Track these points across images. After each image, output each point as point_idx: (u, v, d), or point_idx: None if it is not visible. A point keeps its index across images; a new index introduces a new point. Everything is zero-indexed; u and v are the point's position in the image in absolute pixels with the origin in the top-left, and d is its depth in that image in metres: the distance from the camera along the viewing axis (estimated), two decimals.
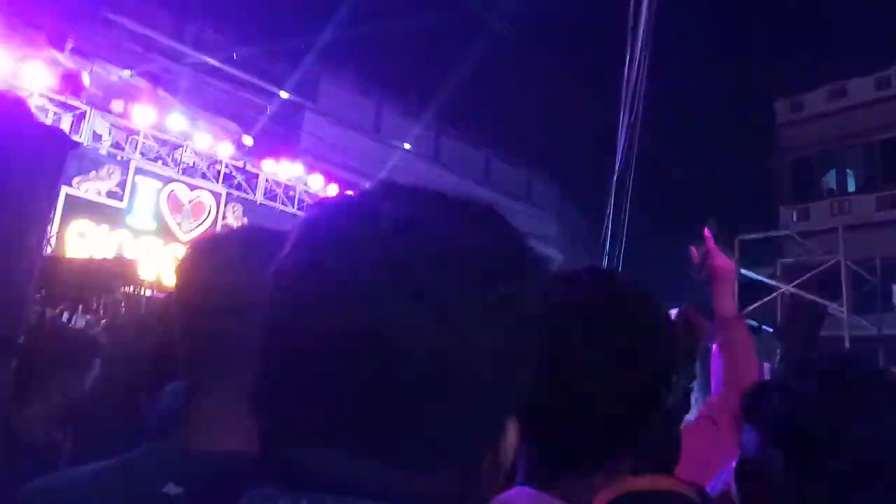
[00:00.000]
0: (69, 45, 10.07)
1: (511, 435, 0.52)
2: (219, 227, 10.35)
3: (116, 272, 4.52)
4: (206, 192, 10.31)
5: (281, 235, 0.90)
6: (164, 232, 9.72)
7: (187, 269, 0.86)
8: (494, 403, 0.50)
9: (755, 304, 13.32)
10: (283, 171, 11.18)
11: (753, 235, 13.91)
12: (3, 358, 2.27)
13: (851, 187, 17.21)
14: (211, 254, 0.86)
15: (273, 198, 11.31)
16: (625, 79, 8.13)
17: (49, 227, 2.95)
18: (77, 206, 8.47)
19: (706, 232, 1.45)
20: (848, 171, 17.46)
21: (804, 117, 17.54)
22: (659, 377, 0.79)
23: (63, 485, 0.81)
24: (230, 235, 0.89)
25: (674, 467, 0.83)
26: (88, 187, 8.95)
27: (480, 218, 0.51)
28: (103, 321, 5.13)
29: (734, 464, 0.94)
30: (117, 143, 9.70)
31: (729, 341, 1.36)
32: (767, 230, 14.92)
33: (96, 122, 9.42)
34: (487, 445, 0.51)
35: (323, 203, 0.53)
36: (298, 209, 11.50)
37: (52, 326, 3.03)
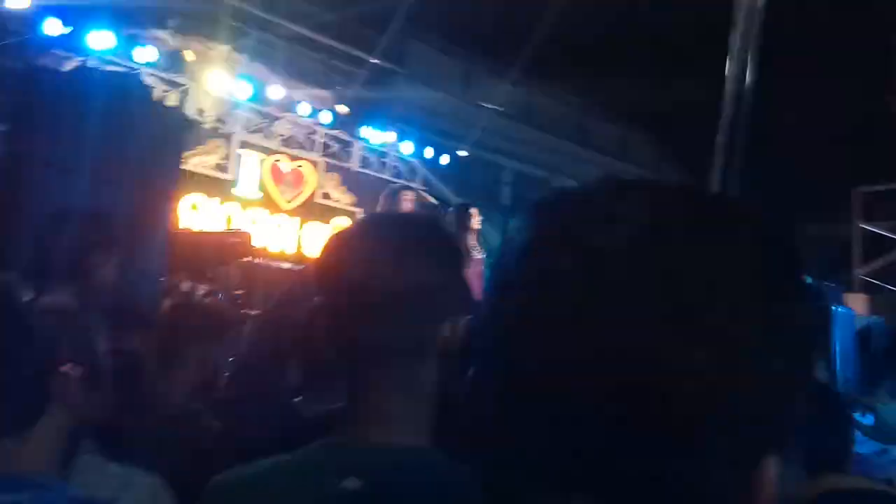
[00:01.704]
0: (171, 24, 10.42)
1: (771, 474, 0.44)
2: (318, 196, 10.60)
3: (233, 243, 4.69)
4: (306, 161, 10.56)
5: (439, 223, 0.92)
6: (269, 202, 10.06)
7: (352, 255, 0.84)
8: (768, 442, 0.42)
9: (877, 262, 12.43)
10: (376, 138, 11.29)
11: (875, 188, 12.92)
12: (146, 331, 2.37)
13: None
14: (376, 240, 0.84)
15: (368, 165, 11.45)
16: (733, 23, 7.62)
17: (174, 203, 3.06)
18: (188, 180, 8.86)
19: None
20: None
21: None
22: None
23: (243, 481, 0.82)
24: (393, 220, 0.88)
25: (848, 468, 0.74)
26: (197, 161, 9.33)
27: (745, 220, 0.43)
28: (220, 293, 5.36)
29: None
30: (219, 116, 10.03)
31: None
32: (891, 181, 13.83)
33: (199, 98, 9.77)
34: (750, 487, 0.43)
35: (548, 198, 0.46)
36: (393, 176, 11.61)
37: (188, 301, 3.16)
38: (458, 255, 0.86)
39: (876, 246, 12.65)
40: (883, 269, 12.46)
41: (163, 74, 9.13)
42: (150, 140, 2.69)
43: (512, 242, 0.44)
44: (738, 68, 7.73)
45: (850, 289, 10.77)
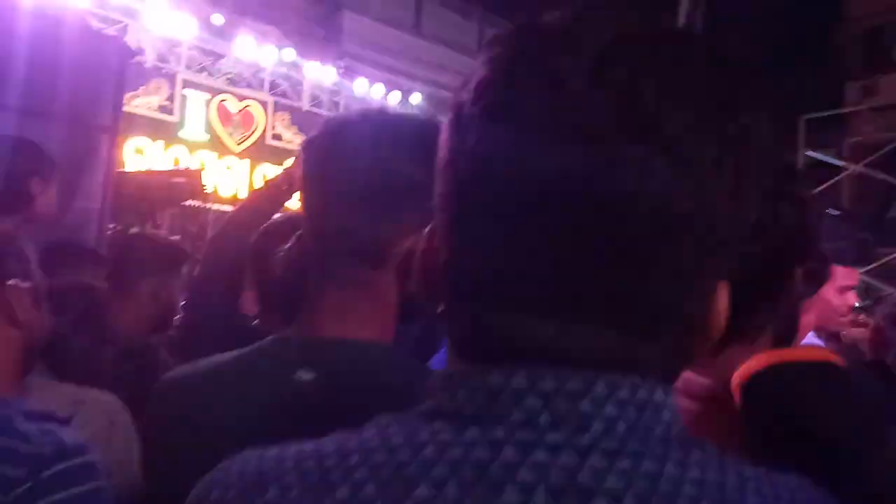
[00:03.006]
0: None
1: (723, 298, 0.46)
2: (268, 137, 10.36)
3: (181, 183, 4.57)
4: (254, 101, 10.26)
5: (412, 120, 0.85)
6: (217, 144, 9.80)
7: (315, 156, 0.82)
8: (719, 260, 0.43)
9: (821, 187, 12.81)
10: (326, 75, 11.00)
11: (819, 114, 13.21)
12: (93, 268, 2.33)
13: None
14: (343, 138, 0.81)
15: (319, 104, 11.20)
16: None
17: (117, 138, 2.97)
18: (131, 123, 8.55)
19: None
20: None
21: None
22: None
23: (196, 373, 0.81)
24: (363, 118, 0.84)
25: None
26: (139, 103, 8.99)
27: (698, 40, 0.43)
28: (172, 236, 5.26)
29: None
30: (161, 55, 9.63)
31: None
32: (834, 108, 14.15)
33: (138, 36, 9.34)
34: (705, 309, 0.45)
35: (507, 29, 0.45)
36: None
37: (134, 236, 3.09)
38: (430, 155, 0.82)
39: (821, 171, 13.02)
40: (824, 194, 12.87)
41: (97, 10, 8.69)
42: (87, 71, 2.59)
43: (469, 78, 0.44)
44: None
45: None
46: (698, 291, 0.43)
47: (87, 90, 2.62)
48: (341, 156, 0.79)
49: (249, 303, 1.89)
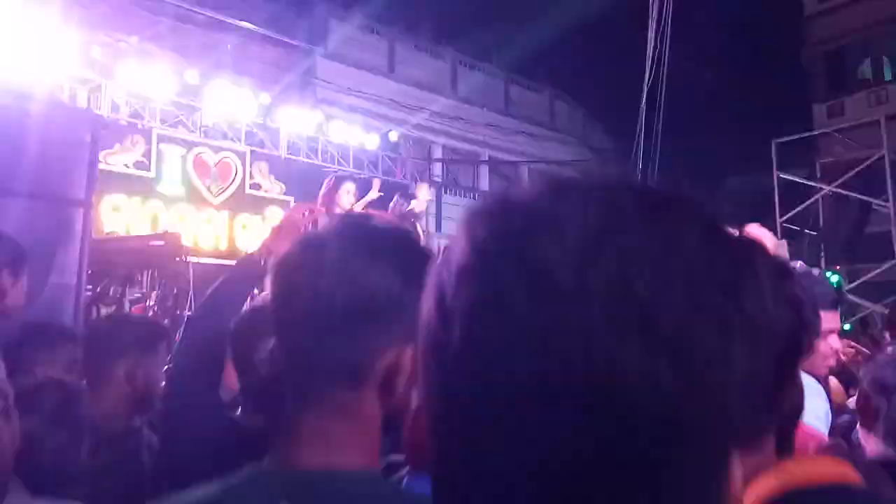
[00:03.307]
0: (74, 17, 9.89)
1: (738, 471, 0.43)
2: (247, 187, 10.33)
3: (160, 247, 4.51)
4: (231, 152, 10.25)
5: (388, 232, 0.83)
6: (195, 197, 9.73)
7: (289, 273, 0.80)
8: (734, 440, 0.40)
9: (796, 209, 13.00)
10: (302, 122, 11.04)
11: (788, 137, 13.46)
12: (70, 350, 2.27)
13: (888, 76, 16.51)
14: (318, 254, 0.79)
15: (297, 151, 11.21)
16: None
17: (92, 210, 2.93)
18: (107, 181, 8.50)
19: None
20: (884, 58, 16.71)
21: (833, 6, 16.73)
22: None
23: None
24: (338, 233, 0.81)
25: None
26: (115, 160, 8.95)
27: (692, 214, 0.40)
28: (154, 293, 5.18)
29: None
30: (136, 111, 9.62)
31: None
32: (804, 130, 14.43)
33: (113, 93, 9.34)
34: (722, 490, 0.41)
35: (487, 207, 0.43)
36: (323, 161, 11.39)
37: (107, 318, 3.02)
38: (408, 268, 0.78)
39: (792, 193, 13.22)
40: (800, 215, 13.05)
41: (71, 72, 8.69)
42: (58, 145, 2.56)
43: (450, 260, 0.41)
44: (656, 38, 7.89)
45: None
46: (715, 485, 0.40)
47: (60, 164, 2.59)
48: (316, 274, 0.77)
49: (231, 377, 1.85)
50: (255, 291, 1.96)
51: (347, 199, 4.88)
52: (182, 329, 1.92)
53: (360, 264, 0.77)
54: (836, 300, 2.33)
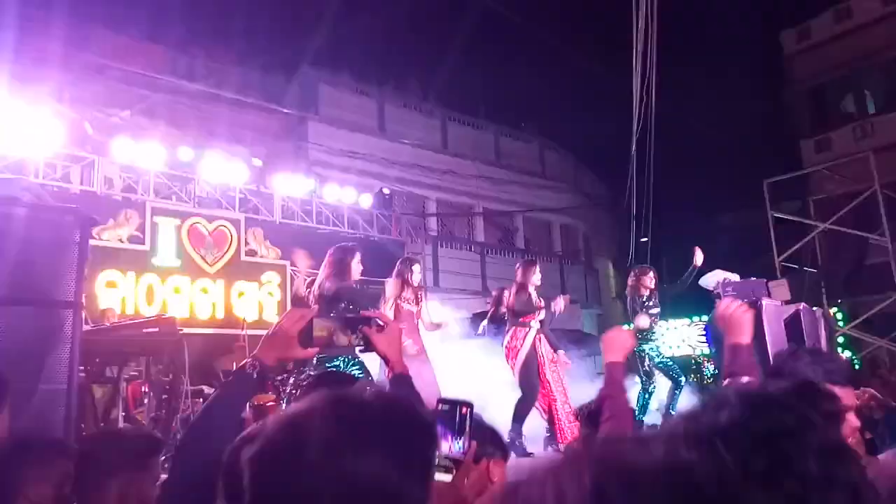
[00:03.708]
0: (66, 96, 10.04)
1: None
2: (243, 254, 10.30)
3: (155, 333, 4.44)
4: (225, 220, 10.25)
5: (382, 409, 0.76)
6: (191, 267, 9.69)
7: (268, 464, 0.74)
8: None
9: (793, 248, 12.99)
10: (296, 187, 11.09)
11: (780, 177, 13.55)
12: (59, 461, 2.18)
13: (872, 109, 16.75)
14: (300, 443, 0.72)
15: (291, 216, 11.22)
16: (635, 37, 7.89)
17: (82, 311, 2.87)
18: (102, 256, 8.47)
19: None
20: (866, 92, 16.99)
21: (812, 44, 17.08)
22: None
23: None
24: (324, 415, 0.74)
25: None
26: (109, 236, 8.93)
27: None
28: (155, 370, 5.08)
29: None
30: (129, 185, 9.66)
31: None
32: (793, 165, 14.55)
33: (105, 169, 9.39)
34: None
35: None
36: (318, 223, 11.40)
37: (97, 435, 2.93)
38: (417, 451, 0.72)
39: (787, 230, 13.23)
40: (797, 252, 13.04)
41: (63, 150, 8.75)
42: (46, 248, 2.51)
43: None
44: (642, 85, 8.00)
45: (773, 275, 11.15)
46: None
47: (48, 268, 2.54)
48: (298, 467, 0.70)
49: None
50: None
51: (358, 268, 4.75)
52: (173, 456, 1.84)
53: (349, 453, 0.70)
54: (850, 376, 2.27)
